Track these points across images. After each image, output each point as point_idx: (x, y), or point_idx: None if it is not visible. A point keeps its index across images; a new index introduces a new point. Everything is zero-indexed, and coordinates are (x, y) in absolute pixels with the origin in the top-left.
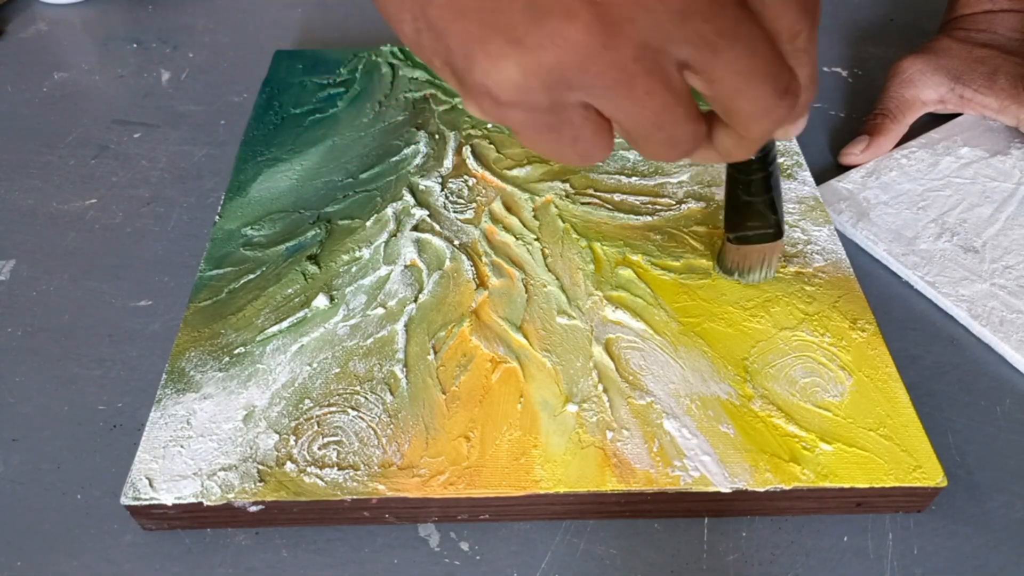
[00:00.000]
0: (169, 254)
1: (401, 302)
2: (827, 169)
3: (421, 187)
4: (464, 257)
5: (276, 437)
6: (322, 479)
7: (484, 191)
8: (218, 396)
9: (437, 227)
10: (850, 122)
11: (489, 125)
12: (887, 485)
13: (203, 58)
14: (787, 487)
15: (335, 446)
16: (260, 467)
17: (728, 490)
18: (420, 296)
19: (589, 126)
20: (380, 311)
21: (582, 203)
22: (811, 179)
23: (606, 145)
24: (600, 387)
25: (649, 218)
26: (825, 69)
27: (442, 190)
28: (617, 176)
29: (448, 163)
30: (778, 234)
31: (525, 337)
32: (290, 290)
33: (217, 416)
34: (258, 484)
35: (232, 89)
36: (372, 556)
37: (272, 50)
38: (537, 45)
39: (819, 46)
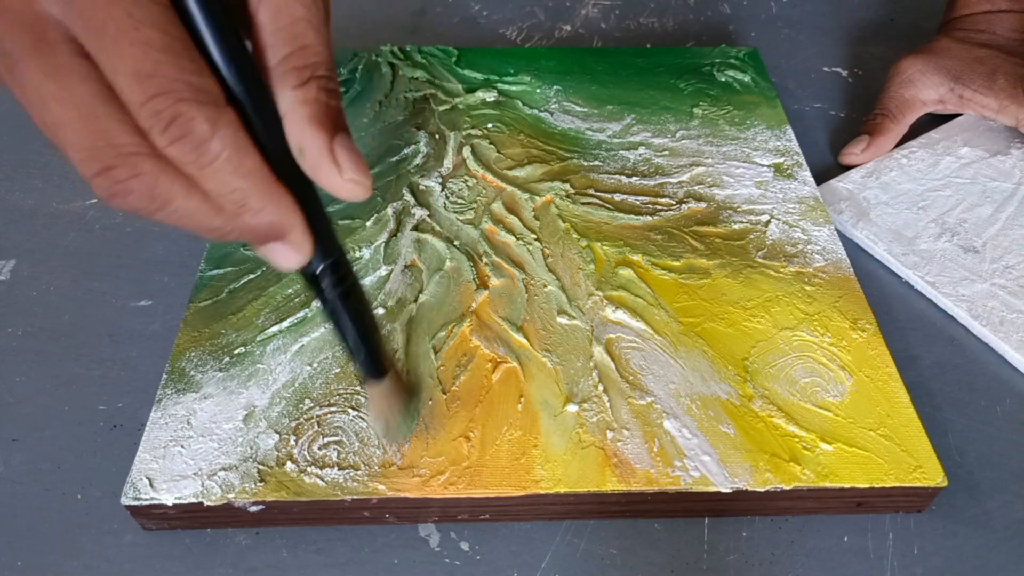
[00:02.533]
0: (169, 254)
1: (401, 302)
2: (827, 169)
3: (421, 187)
4: (464, 257)
5: (276, 437)
6: (322, 479)
7: (484, 191)
8: (218, 396)
9: (437, 227)
10: (850, 122)
11: (489, 125)
12: (887, 485)
13: None
14: (787, 487)
15: (335, 446)
16: (260, 467)
17: (728, 490)
18: (420, 296)
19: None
20: (380, 311)
21: (582, 203)
22: (811, 179)
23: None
24: (600, 387)
25: (649, 218)
26: (825, 69)
27: (442, 190)
28: (617, 176)
29: (448, 163)
30: (369, 372)
31: (525, 337)
32: (290, 290)
33: (217, 416)
34: (258, 484)
35: None
36: (372, 556)
37: None
38: None
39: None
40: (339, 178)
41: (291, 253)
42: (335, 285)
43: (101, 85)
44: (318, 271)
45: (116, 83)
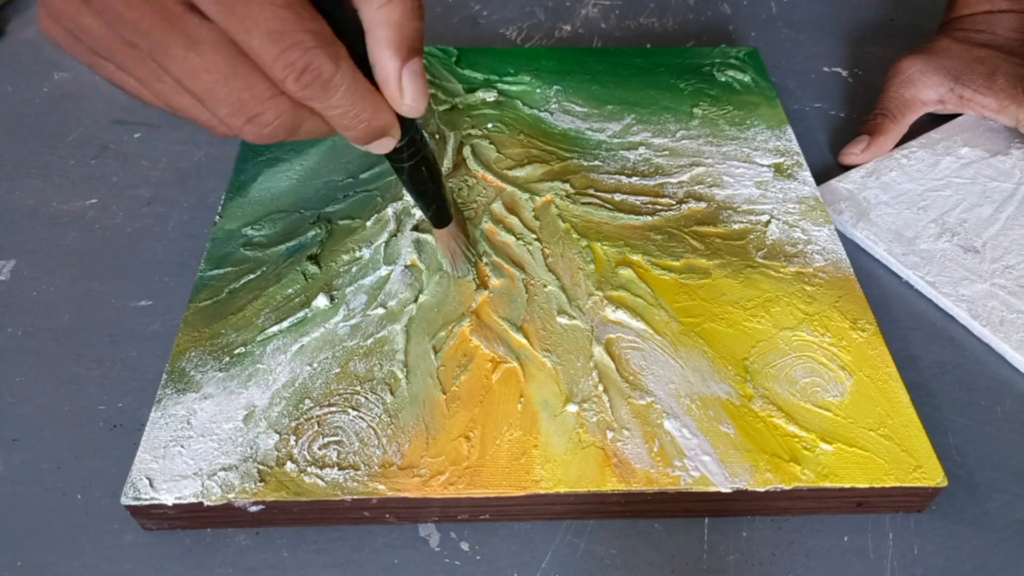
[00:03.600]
0: (169, 254)
1: (401, 302)
2: (827, 169)
3: None
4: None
5: (276, 437)
6: (322, 479)
7: (484, 191)
8: (218, 396)
9: None
10: (850, 122)
11: (489, 125)
12: (887, 485)
13: None
14: (787, 487)
15: (335, 446)
16: (260, 467)
17: (728, 490)
18: (420, 296)
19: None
20: (380, 311)
21: (582, 203)
22: (811, 179)
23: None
24: (600, 387)
25: (649, 218)
26: (825, 69)
27: None
28: (617, 176)
29: (448, 163)
30: (438, 222)
31: (525, 337)
32: (290, 290)
33: (217, 416)
34: (258, 484)
35: None
36: (372, 556)
37: None
38: None
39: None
40: (399, 100)
41: (390, 142)
42: (412, 157)
43: (231, 46)
44: (401, 146)
45: (248, 42)
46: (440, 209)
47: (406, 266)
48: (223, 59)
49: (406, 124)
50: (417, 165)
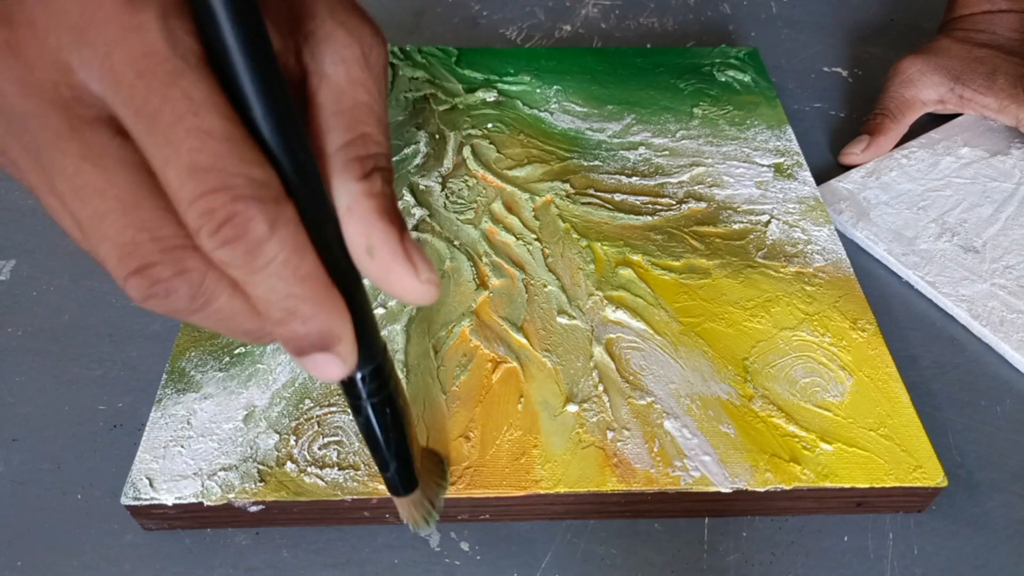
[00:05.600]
0: None
1: (401, 302)
2: (827, 169)
3: (421, 187)
4: (464, 257)
5: (276, 437)
6: (322, 479)
7: (484, 191)
8: (218, 396)
9: (437, 227)
10: (850, 122)
11: (489, 125)
12: (887, 485)
13: None
14: (787, 487)
15: (335, 446)
16: (260, 467)
17: (728, 490)
18: None
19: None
20: (380, 311)
21: (582, 203)
22: (811, 179)
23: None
24: (600, 387)
25: (649, 218)
26: (825, 69)
27: (442, 190)
28: (617, 176)
29: (448, 163)
30: (399, 487)
31: (525, 337)
32: None
33: (217, 416)
34: (258, 484)
35: None
36: (372, 556)
37: None
38: None
39: (820, 46)
40: (415, 279)
41: (335, 365)
42: (372, 394)
43: (143, 171)
44: (356, 378)
45: (164, 174)
46: (404, 470)
47: None
48: (126, 184)
49: (372, 348)
50: (381, 406)
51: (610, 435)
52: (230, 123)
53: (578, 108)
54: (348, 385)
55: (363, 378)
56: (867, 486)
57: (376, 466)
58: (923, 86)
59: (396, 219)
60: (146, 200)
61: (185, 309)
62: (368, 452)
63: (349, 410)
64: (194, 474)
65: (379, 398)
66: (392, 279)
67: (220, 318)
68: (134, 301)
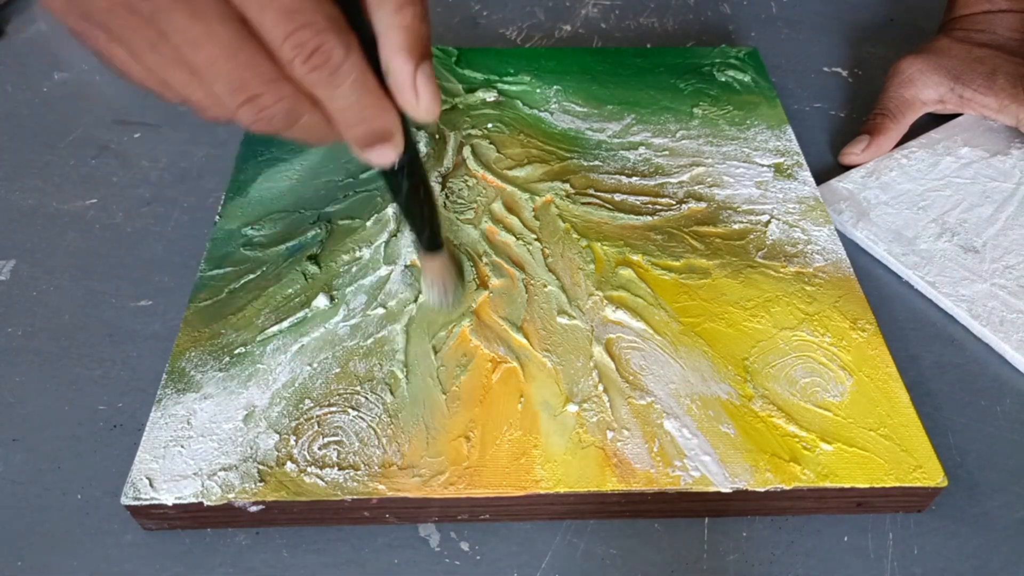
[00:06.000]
0: (169, 254)
1: (401, 302)
2: (827, 169)
3: None
4: (464, 257)
5: (276, 437)
6: (322, 479)
7: (484, 191)
8: (218, 396)
9: None
10: (850, 122)
11: (489, 125)
12: (887, 485)
13: None
14: (787, 487)
15: (335, 446)
16: (260, 467)
17: (728, 490)
18: (420, 296)
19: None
20: (380, 311)
21: (582, 203)
22: (811, 179)
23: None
24: (600, 387)
25: (649, 218)
26: (825, 69)
27: (442, 190)
28: (617, 176)
29: (448, 163)
30: (425, 246)
31: (525, 337)
32: (290, 290)
33: (217, 416)
34: (258, 484)
35: None
36: (372, 556)
37: None
38: None
39: (820, 46)
40: (415, 104)
41: (391, 151)
42: (410, 175)
43: (239, 22)
44: (397, 166)
45: (259, 20)
46: (434, 232)
47: (406, 266)
48: (229, 33)
49: (408, 140)
50: (415, 185)
51: (610, 435)
52: None
53: (578, 108)
54: (390, 172)
55: (402, 166)
56: (867, 486)
57: (414, 234)
58: (923, 86)
59: (416, 51)
60: (246, 45)
61: (282, 127)
62: (408, 221)
63: (348, 409)
64: (194, 474)
65: (414, 179)
66: (399, 99)
67: (304, 130)
68: (243, 125)
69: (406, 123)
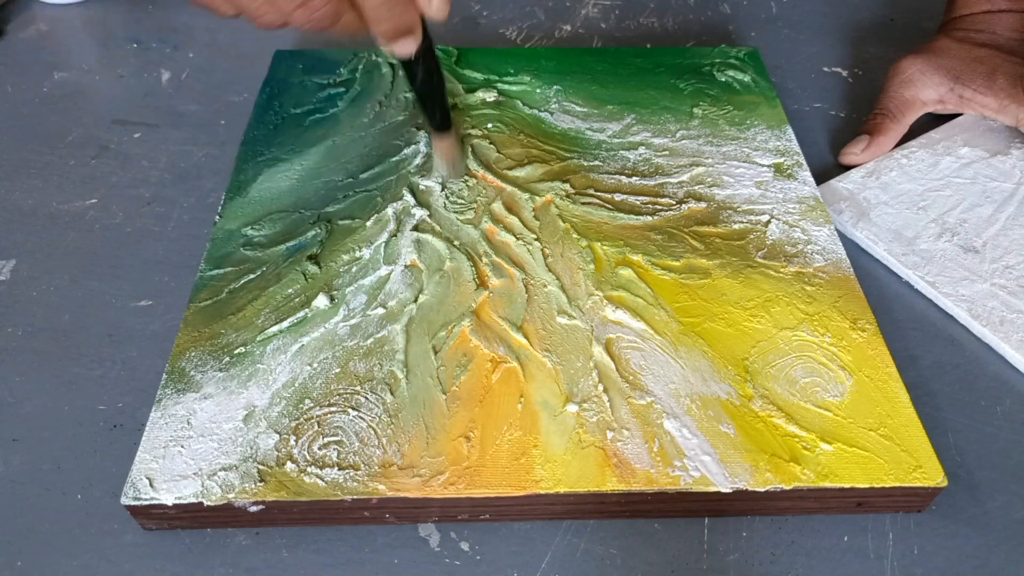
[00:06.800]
0: (169, 254)
1: (401, 302)
2: (827, 169)
3: (421, 187)
4: (464, 257)
5: (276, 437)
6: (322, 479)
7: (484, 191)
8: (218, 396)
9: (437, 227)
10: (850, 122)
11: (489, 125)
12: (887, 485)
13: (203, 58)
14: (787, 487)
15: (335, 446)
16: (260, 467)
17: (728, 490)
18: (420, 296)
19: None
20: (380, 311)
21: (582, 203)
22: (811, 179)
23: None
24: (600, 387)
25: (649, 218)
26: (825, 69)
27: (442, 190)
28: (617, 176)
29: None
30: (437, 126)
31: (525, 337)
32: (290, 290)
33: (217, 416)
34: (258, 484)
35: (232, 89)
36: (372, 556)
37: (272, 50)
38: None
39: (820, 46)
40: (428, 2)
41: (412, 43)
42: (426, 64)
43: None
44: (415, 56)
45: None
46: (445, 113)
47: (406, 266)
48: None
49: (425, 33)
50: (429, 71)
51: (610, 435)
52: None
53: (578, 108)
54: (411, 61)
55: (419, 56)
56: (867, 486)
57: (427, 117)
58: (923, 86)
59: None
60: None
61: (328, 25)
62: (422, 110)
63: (348, 409)
64: (194, 474)
65: (429, 67)
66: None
67: (344, 28)
68: (296, 24)
69: (423, 18)
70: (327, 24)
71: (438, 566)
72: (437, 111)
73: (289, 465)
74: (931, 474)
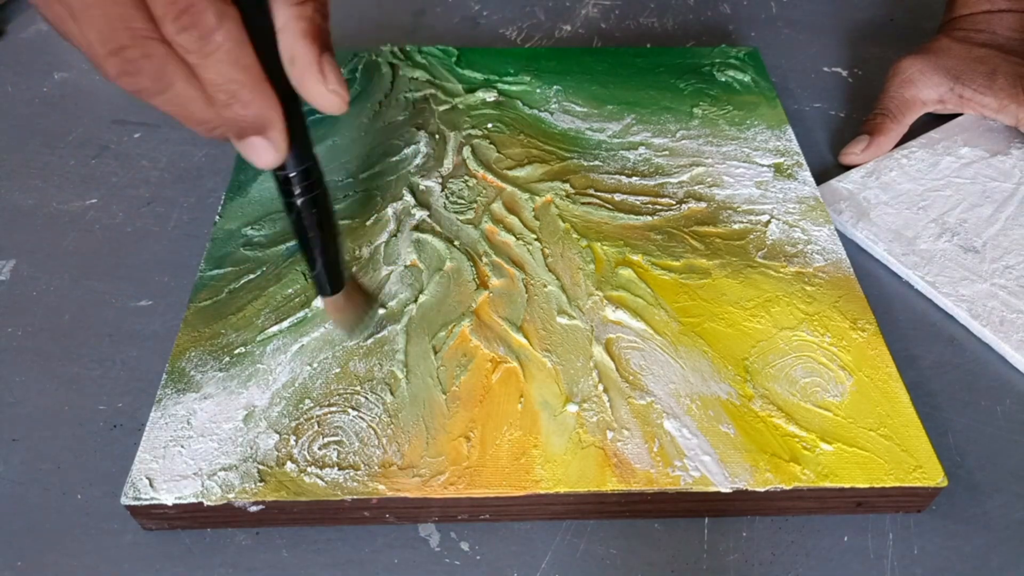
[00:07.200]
0: (169, 254)
1: (401, 302)
2: (827, 169)
3: (421, 187)
4: (464, 257)
5: (276, 437)
6: (322, 479)
7: (484, 191)
8: (218, 396)
9: (437, 227)
10: (850, 122)
11: (489, 125)
12: (887, 485)
13: None
14: (787, 487)
15: (335, 446)
16: (260, 467)
17: (728, 490)
18: (420, 296)
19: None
20: (380, 311)
21: (582, 203)
22: (811, 179)
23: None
24: (600, 387)
25: (649, 218)
26: (825, 69)
27: (442, 190)
28: (617, 176)
29: (448, 163)
30: (326, 286)
31: (525, 337)
32: (290, 290)
33: (217, 416)
34: (258, 484)
35: None
36: (372, 556)
37: None
38: None
39: (820, 46)
40: (323, 87)
41: (269, 150)
42: (303, 192)
43: None
44: (291, 175)
45: None
46: (331, 269)
47: (406, 266)
48: None
49: (304, 152)
50: (309, 204)
51: (610, 435)
52: None
53: (578, 108)
54: (283, 183)
55: (296, 176)
56: (867, 486)
57: (307, 267)
58: (923, 86)
59: (318, 40)
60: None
61: (150, 89)
62: (302, 252)
63: (348, 409)
64: (194, 474)
65: (308, 197)
66: (307, 85)
67: (179, 102)
68: (110, 78)
69: (303, 132)
70: (147, 85)
71: (438, 566)
72: (318, 264)
73: (289, 465)
74: (931, 474)
